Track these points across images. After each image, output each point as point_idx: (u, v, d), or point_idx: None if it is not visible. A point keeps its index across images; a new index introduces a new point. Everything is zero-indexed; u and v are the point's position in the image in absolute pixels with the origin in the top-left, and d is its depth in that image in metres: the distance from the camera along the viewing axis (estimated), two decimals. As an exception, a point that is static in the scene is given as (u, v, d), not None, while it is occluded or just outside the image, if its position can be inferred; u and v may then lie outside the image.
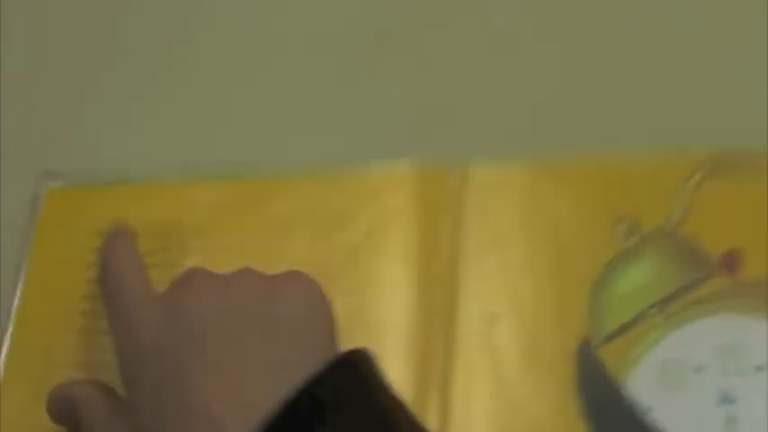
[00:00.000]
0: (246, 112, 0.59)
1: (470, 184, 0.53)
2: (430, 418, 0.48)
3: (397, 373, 0.48)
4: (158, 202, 0.55)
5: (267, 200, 0.54)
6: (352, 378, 0.41)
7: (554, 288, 0.51)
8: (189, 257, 0.53)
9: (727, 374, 0.48)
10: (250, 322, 0.43)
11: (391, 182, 0.54)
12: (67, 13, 0.63)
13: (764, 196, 0.50)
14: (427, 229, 0.53)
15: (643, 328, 0.49)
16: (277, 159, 0.56)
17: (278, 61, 0.60)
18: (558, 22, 0.59)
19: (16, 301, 0.54)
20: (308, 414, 0.39)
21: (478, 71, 0.58)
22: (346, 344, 0.44)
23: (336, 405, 0.40)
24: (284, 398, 0.39)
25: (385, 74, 0.59)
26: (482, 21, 0.59)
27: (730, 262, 0.50)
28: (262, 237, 0.53)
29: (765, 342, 0.48)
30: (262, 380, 0.41)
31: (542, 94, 0.56)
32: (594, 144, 0.53)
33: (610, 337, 0.49)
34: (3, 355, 0.52)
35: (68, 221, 0.56)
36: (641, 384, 0.48)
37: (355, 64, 0.59)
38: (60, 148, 0.59)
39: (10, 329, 0.53)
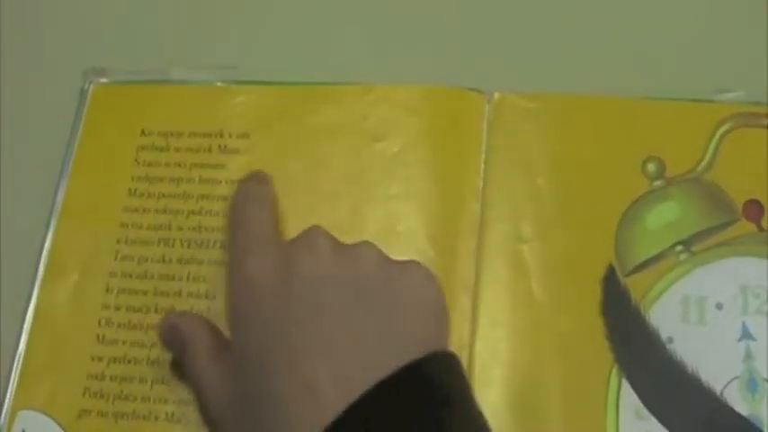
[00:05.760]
0: (295, 21, 0.59)
1: (503, 111, 0.54)
2: (457, 320, 0.49)
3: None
4: (203, 103, 0.56)
5: (312, 106, 0.55)
6: (440, 374, 0.42)
7: (581, 218, 0.52)
8: (231, 158, 0.54)
9: (747, 313, 0.49)
10: (363, 299, 0.43)
11: (431, 102, 0.54)
12: None
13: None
14: (460, 150, 0.53)
15: (668, 264, 0.50)
16: (322, 72, 0.56)
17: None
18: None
19: (61, 196, 0.54)
20: (392, 402, 0.40)
21: (525, 8, 0.58)
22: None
23: (421, 395, 0.40)
24: (380, 379, 0.40)
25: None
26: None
27: (753, 210, 0.51)
28: (305, 141, 0.54)
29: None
30: (366, 357, 0.41)
31: (583, 36, 0.57)
32: (627, 88, 0.54)
33: (636, 269, 0.50)
34: (47, 248, 0.53)
35: (114, 118, 0.56)
36: (664, 316, 0.49)
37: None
38: (108, 45, 0.59)
39: (55, 222, 0.54)
